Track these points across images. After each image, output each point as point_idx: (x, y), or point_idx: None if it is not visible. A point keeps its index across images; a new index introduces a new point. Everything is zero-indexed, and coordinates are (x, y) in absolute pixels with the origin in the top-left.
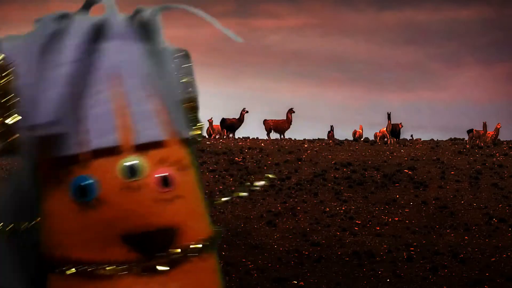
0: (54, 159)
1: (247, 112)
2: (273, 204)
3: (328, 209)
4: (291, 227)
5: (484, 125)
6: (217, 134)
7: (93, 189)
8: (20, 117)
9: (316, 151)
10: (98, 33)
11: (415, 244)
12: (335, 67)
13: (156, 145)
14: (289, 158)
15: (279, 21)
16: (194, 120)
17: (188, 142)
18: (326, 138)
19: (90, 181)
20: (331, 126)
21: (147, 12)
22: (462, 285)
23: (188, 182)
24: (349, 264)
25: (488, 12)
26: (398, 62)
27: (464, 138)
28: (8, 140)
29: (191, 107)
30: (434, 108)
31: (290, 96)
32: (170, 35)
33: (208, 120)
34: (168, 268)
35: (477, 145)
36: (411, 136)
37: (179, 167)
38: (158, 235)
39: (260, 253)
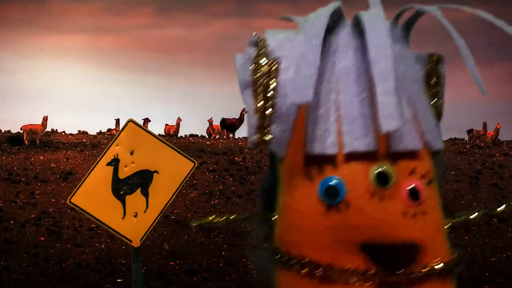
0: (306, 156)
1: (247, 112)
2: None
3: None
4: None
5: (484, 125)
6: (217, 134)
7: (342, 191)
8: (276, 111)
9: None
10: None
11: None
12: None
13: (410, 155)
14: None
15: (279, 21)
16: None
17: (435, 154)
18: None
19: (339, 182)
20: None
21: (427, 10)
22: (462, 285)
23: (433, 197)
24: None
25: (488, 12)
26: None
27: (464, 138)
28: (264, 131)
29: (437, 116)
30: None
31: None
32: (170, 35)
33: (208, 120)
34: (406, 286)
35: (477, 145)
36: None
37: (427, 180)
38: (402, 249)
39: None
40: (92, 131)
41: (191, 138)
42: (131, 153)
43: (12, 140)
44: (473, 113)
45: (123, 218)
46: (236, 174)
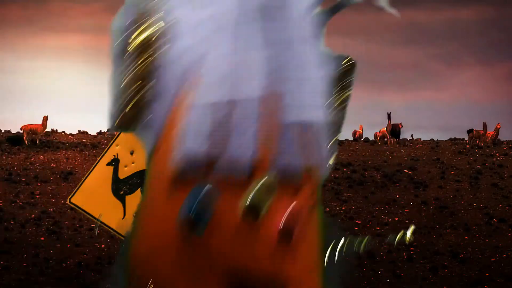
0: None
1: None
2: None
3: (328, 209)
4: None
5: (484, 125)
6: None
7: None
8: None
9: None
10: None
11: (415, 244)
12: None
13: (290, 182)
14: None
15: None
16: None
17: (321, 178)
18: None
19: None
20: None
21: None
22: (462, 285)
23: (309, 233)
24: (349, 264)
25: (488, 12)
26: (398, 62)
27: (464, 138)
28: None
29: (336, 130)
30: (434, 108)
31: None
32: None
33: None
34: None
35: (477, 145)
36: (411, 136)
37: (307, 208)
38: (265, 283)
39: None
40: (92, 131)
41: None
42: (131, 153)
43: (12, 140)
44: (473, 113)
45: (123, 218)
46: None
